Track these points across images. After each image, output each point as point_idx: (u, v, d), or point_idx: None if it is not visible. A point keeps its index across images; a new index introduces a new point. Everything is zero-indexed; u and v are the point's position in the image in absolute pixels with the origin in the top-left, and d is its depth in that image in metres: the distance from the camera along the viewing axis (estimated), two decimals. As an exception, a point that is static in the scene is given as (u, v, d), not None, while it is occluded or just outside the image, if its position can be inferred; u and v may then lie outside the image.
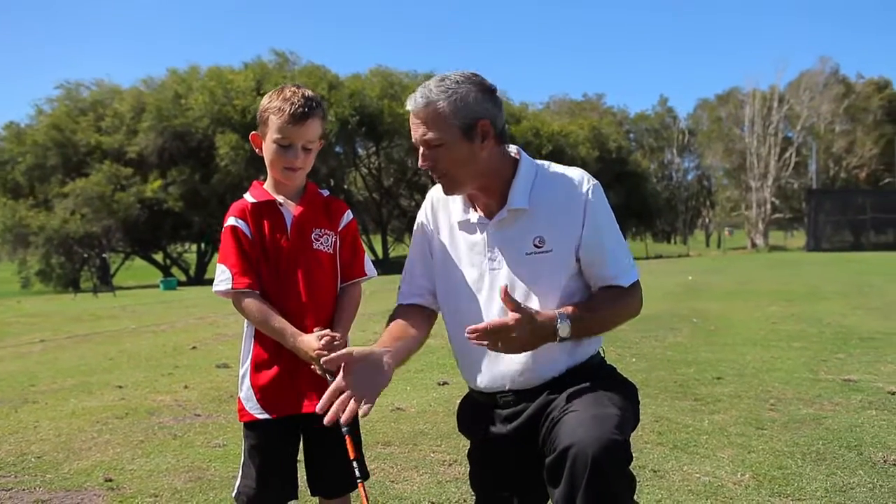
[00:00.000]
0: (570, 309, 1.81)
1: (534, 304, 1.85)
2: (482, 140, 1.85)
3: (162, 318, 11.77)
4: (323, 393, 1.72)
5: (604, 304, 1.87)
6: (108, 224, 30.55)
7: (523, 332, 1.74)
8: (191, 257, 37.70)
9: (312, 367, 1.90)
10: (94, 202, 30.09)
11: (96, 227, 30.29)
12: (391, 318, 2.01)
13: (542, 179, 1.91)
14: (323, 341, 1.87)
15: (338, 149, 34.33)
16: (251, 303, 1.97)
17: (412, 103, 1.85)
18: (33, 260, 32.12)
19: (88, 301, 19.53)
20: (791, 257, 28.01)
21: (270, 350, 2.00)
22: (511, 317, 1.73)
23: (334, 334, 1.91)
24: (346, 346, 1.91)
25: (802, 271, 17.13)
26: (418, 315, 2.01)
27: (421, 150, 1.87)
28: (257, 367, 2.01)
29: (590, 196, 1.87)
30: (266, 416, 1.99)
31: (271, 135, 1.99)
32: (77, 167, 32.24)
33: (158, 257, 37.09)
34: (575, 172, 1.93)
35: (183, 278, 33.45)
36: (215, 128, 30.49)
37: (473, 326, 1.73)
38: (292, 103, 1.96)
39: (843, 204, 36.02)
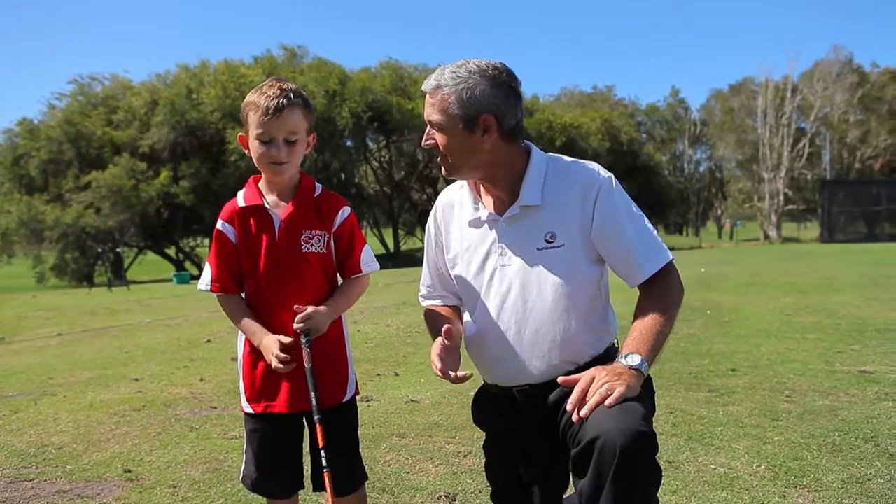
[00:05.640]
0: (635, 348, 1.74)
1: (545, 299, 1.86)
2: (483, 133, 1.84)
3: (176, 312, 11.85)
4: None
5: (654, 315, 1.80)
6: (124, 218, 30.78)
7: (605, 375, 1.67)
8: (203, 251, 37.86)
9: (274, 365, 1.93)
10: (112, 196, 30.31)
11: (112, 221, 30.52)
12: (426, 318, 2.11)
13: (553, 174, 1.90)
14: (284, 349, 1.92)
15: (348, 143, 34.35)
16: (226, 304, 2.07)
17: (426, 83, 1.90)
18: (48, 255, 32.41)
19: (103, 295, 19.71)
20: (805, 249, 27.75)
21: (257, 348, 2.01)
22: (579, 376, 1.70)
23: (305, 310, 1.93)
24: (319, 319, 1.93)
25: (816, 263, 16.97)
26: (448, 310, 2.10)
27: (427, 127, 1.92)
28: (247, 363, 2.04)
29: (602, 187, 1.85)
30: (253, 411, 2.03)
31: (252, 131, 1.95)
32: (91, 162, 32.45)
33: (171, 252, 37.30)
34: (588, 166, 1.91)
35: (195, 272, 33.62)
36: (227, 122, 30.63)
37: (570, 405, 1.65)
38: (268, 96, 1.92)
39: (857, 194, 35.54)
